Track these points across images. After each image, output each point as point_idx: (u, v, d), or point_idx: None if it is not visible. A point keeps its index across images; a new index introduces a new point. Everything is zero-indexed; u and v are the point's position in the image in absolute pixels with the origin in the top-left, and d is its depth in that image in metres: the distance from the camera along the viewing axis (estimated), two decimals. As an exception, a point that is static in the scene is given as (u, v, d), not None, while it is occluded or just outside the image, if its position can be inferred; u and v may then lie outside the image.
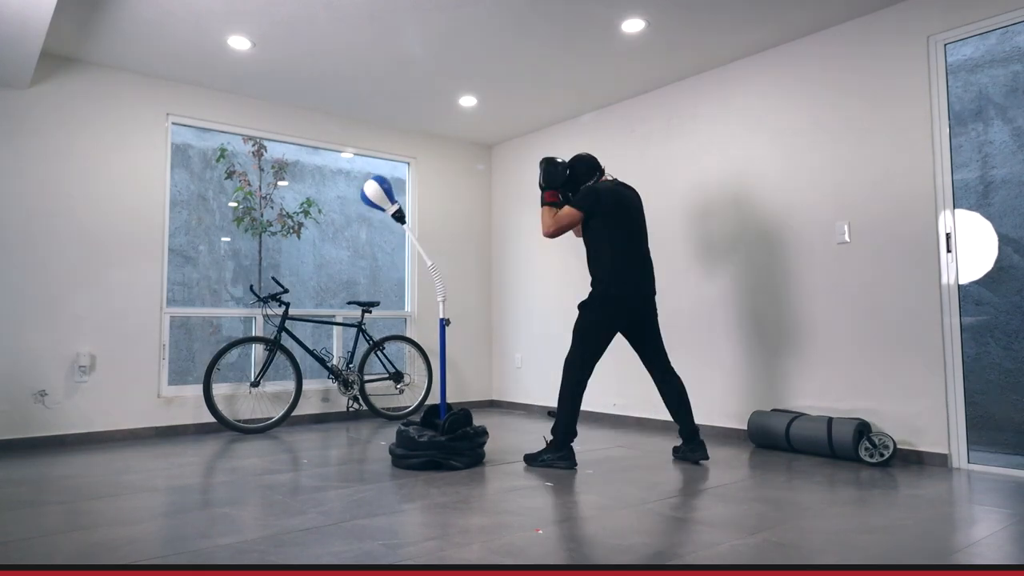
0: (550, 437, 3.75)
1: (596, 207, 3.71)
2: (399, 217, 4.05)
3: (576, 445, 3.78)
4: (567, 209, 3.75)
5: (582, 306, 3.78)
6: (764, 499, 3.00)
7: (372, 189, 4.01)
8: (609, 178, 3.94)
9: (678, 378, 3.85)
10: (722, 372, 4.73)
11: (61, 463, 3.89)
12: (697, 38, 4.40)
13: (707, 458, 3.78)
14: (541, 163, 3.92)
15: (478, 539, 2.42)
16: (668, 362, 3.86)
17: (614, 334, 3.77)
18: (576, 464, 3.69)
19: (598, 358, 3.72)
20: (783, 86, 4.48)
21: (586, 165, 3.90)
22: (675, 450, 3.96)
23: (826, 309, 4.19)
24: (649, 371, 3.89)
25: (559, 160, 3.91)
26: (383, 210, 4.06)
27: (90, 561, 2.22)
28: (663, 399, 3.87)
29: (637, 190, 3.98)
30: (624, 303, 3.73)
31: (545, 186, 3.87)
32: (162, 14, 4.05)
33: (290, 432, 5.02)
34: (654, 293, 3.84)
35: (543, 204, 3.86)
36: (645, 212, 3.97)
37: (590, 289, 3.80)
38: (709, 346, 4.82)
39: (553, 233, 3.79)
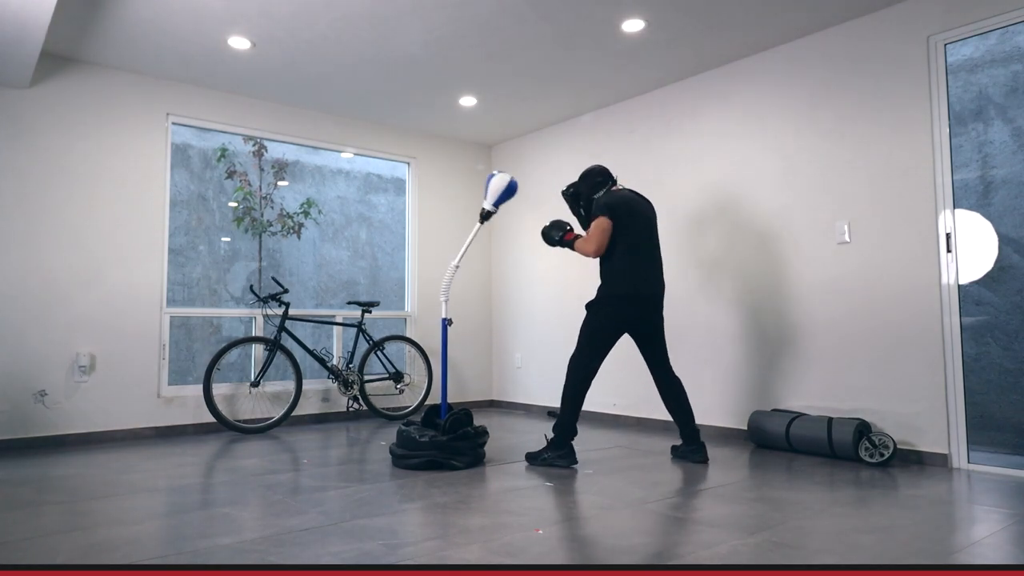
0: (551, 435, 3.76)
1: (613, 214, 3.73)
2: (485, 216, 4.07)
3: (576, 445, 3.79)
4: (595, 224, 3.71)
5: (589, 306, 3.80)
6: (764, 499, 3.00)
7: (499, 182, 4.03)
8: (622, 187, 3.97)
9: (678, 380, 3.90)
10: (722, 372, 4.73)
11: (61, 463, 3.89)
12: (697, 38, 4.40)
13: (706, 460, 3.81)
14: (544, 236, 3.97)
15: (478, 539, 2.42)
16: (669, 364, 3.91)
17: (620, 334, 3.79)
18: (576, 461, 3.72)
19: (603, 357, 3.74)
20: (783, 86, 4.48)
21: (592, 180, 3.95)
22: (674, 449, 4.01)
23: (826, 309, 4.19)
24: (651, 371, 3.92)
25: (547, 228, 3.97)
26: (486, 199, 4.09)
27: (90, 561, 2.22)
28: (663, 400, 3.91)
29: (647, 198, 3.99)
30: (631, 302, 3.74)
31: (560, 238, 3.89)
32: (162, 14, 4.05)
33: (290, 432, 5.02)
34: (662, 295, 3.85)
35: (574, 246, 3.83)
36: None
37: (598, 289, 3.82)
38: (709, 346, 4.81)
39: (600, 248, 3.73)
